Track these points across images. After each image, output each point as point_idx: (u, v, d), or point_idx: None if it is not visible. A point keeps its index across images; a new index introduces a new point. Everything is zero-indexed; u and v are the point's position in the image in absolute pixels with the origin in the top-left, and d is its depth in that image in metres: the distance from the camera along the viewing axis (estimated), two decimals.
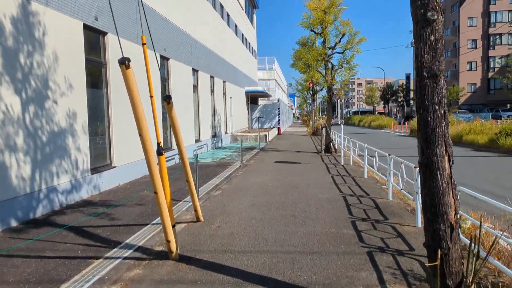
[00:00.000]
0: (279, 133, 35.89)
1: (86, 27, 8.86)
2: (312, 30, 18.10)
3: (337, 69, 18.12)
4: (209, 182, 10.45)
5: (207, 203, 8.03)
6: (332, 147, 18.13)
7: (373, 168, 10.47)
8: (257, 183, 10.10)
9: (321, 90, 34.46)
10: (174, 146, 14.67)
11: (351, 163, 13.81)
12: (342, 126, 14.15)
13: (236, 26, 29.60)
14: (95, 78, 9.58)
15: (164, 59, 14.11)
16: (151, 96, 4.82)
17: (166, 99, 5.56)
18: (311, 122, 57.18)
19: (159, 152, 4.89)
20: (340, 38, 17.85)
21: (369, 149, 11.10)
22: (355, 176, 11.17)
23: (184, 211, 7.35)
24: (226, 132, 24.58)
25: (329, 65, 18.23)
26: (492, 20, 57.30)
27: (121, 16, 10.54)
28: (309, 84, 33.80)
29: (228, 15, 26.45)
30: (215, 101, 21.73)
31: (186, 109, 16.17)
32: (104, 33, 9.78)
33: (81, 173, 8.46)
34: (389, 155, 8.14)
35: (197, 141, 17.87)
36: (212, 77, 21.06)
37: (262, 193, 8.87)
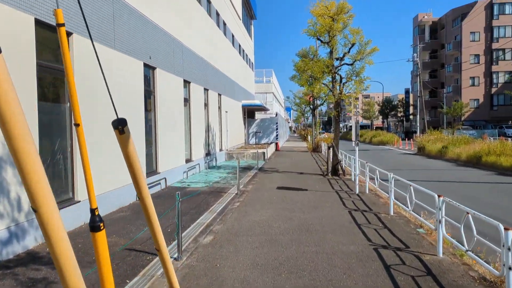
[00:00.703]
0: (277, 149, 33.90)
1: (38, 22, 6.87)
2: (318, 39, 16.24)
3: (345, 82, 16.20)
4: (198, 220, 8.37)
5: (193, 260, 5.93)
6: (340, 169, 16.13)
7: (397, 199, 8.46)
8: (259, 223, 8.03)
9: (322, 104, 32.56)
10: (160, 169, 12.61)
11: (367, 191, 11.79)
12: (357, 148, 12.12)
13: (233, 36, 27.79)
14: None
15: (149, 68, 12.12)
16: (76, 125, 2.62)
17: (118, 126, 3.44)
18: (309, 137, 55.37)
19: (94, 227, 2.61)
20: (350, 48, 15.97)
21: (383, 172, 9.13)
22: (377, 211, 9.13)
23: (159, 278, 5.25)
24: (221, 149, 22.56)
25: (337, 78, 16.31)
26: (495, 35, 55.98)
27: None
28: (309, 98, 31.93)
29: (224, 23, 24.62)
30: (209, 116, 19.74)
31: (176, 125, 14.15)
32: None
33: (27, 214, 6.37)
34: (439, 196, 6.09)
35: (188, 161, 15.82)
36: (206, 89, 19.10)
37: (267, 241, 6.80)
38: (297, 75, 32.01)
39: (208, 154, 19.26)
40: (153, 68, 12.35)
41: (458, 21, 59.29)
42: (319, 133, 45.23)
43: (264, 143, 33.66)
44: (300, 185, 13.25)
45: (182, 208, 9.06)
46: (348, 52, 16.03)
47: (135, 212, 9.06)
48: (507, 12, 55.75)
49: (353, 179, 14.62)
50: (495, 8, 55.75)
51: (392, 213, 8.81)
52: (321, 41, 16.18)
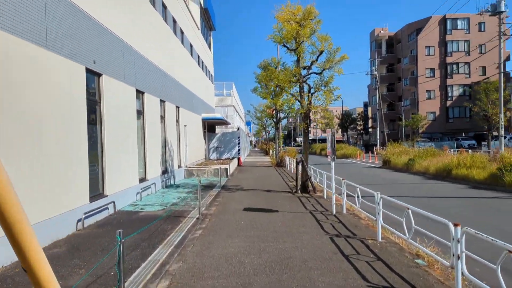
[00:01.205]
0: (239, 164, 32.50)
1: None
2: (284, 46, 15.04)
3: (313, 93, 15.08)
4: (150, 256, 6.78)
5: None
6: (309, 185, 14.91)
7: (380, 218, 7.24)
8: (227, 258, 6.55)
9: (286, 117, 31.55)
10: (108, 191, 10.90)
11: (344, 211, 10.56)
12: (333, 164, 10.87)
13: (191, 45, 26.35)
14: None
15: (93, 75, 10.47)
16: None
17: None
18: (271, 151, 54.31)
19: None
20: (318, 56, 14.89)
21: (353, 186, 7.94)
22: (362, 236, 7.88)
23: None
24: (179, 166, 20.89)
25: (305, 88, 15.18)
26: (449, 49, 57.54)
27: None
28: (272, 111, 30.84)
29: (182, 32, 23.16)
30: (167, 130, 18.11)
31: (127, 141, 12.48)
32: None
33: None
34: (455, 225, 4.86)
35: (142, 180, 14.11)
36: (162, 101, 17.50)
37: (239, 285, 5.34)
38: (258, 87, 31.06)
39: (165, 171, 17.58)
40: (99, 75, 10.70)
41: (413, 35, 60.61)
42: (282, 147, 44.23)
43: (225, 158, 32.18)
44: (269, 205, 11.88)
45: (131, 241, 7.46)
46: (316, 60, 14.97)
47: (73, 248, 7.36)
48: (459, 27, 57.50)
49: (325, 197, 13.45)
50: (448, 23, 57.40)
51: (380, 239, 7.57)
52: (288, 48, 15.02)
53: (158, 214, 10.66)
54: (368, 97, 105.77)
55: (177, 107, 20.80)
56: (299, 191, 14.78)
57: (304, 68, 15.15)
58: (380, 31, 69.75)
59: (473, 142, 50.67)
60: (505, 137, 49.24)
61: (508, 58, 57.90)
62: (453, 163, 18.51)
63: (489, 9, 28.00)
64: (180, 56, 22.12)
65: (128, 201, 12.46)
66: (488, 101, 30.19)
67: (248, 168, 28.90)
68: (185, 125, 22.70)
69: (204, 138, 30.90)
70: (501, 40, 27.75)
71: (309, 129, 15.38)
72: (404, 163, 24.01)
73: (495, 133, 60.30)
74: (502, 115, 27.94)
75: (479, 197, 13.61)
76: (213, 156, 32.74)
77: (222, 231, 8.61)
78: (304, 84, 15.06)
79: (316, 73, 15.09)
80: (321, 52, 14.78)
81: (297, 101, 15.26)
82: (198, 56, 29.69)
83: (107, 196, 10.78)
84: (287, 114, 30.96)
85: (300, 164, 14.95)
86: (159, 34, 17.35)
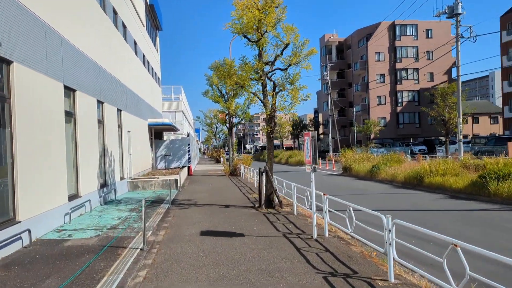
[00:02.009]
0: (190, 173, 30.02)
1: None
2: (245, 37, 12.95)
3: (278, 92, 13.09)
4: None
5: None
6: (275, 199, 12.88)
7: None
8: None
9: (240, 122, 29.47)
10: (22, 215, 8.27)
11: (326, 233, 8.58)
12: (313, 176, 8.67)
13: (135, 43, 23.70)
14: None
15: (0, 62, 7.87)
16: None
17: None
18: (223, 159, 51.93)
19: None
20: (283, 50, 12.96)
21: (334, 201, 6.04)
22: (368, 275, 5.88)
23: None
24: (122, 178, 18.20)
25: (269, 86, 13.16)
26: (398, 55, 58.10)
27: None
28: (225, 116, 28.68)
29: (124, 26, 20.53)
30: (106, 136, 15.47)
31: (50, 148, 9.85)
32: None
33: None
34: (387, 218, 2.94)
35: (73, 197, 11.45)
36: (100, 102, 14.88)
37: None
38: (210, 90, 28.79)
39: (104, 185, 14.91)
40: (8, 62, 8.10)
41: (363, 41, 60.79)
42: (237, 154, 41.97)
43: (175, 168, 29.57)
44: (232, 227, 9.69)
45: None
46: (281, 54, 13.00)
47: None
48: (408, 33, 58.27)
49: (295, 213, 11.47)
50: (397, 29, 58.01)
51: (393, 279, 5.61)
52: (249, 40, 12.93)
53: (90, 244, 8.17)
54: (317, 103, 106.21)
55: (119, 110, 18.15)
56: (264, 206, 12.70)
57: (267, 63, 13.15)
58: (330, 37, 69.67)
59: (424, 147, 51.07)
60: (455, 143, 50.20)
61: (454, 65, 59.33)
62: (424, 170, 17.21)
63: (446, 11, 27.54)
64: (122, 53, 19.48)
65: (53, 226, 9.81)
66: (445, 105, 29.73)
67: (200, 178, 26.50)
68: (128, 131, 20.04)
69: (151, 146, 28.17)
70: (458, 43, 27.32)
71: (274, 133, 13.40)
72: (367, 171, 22.64)
73: (442, 139, 61.74)
74: (461, 119, 27.46)
75: (468, 210, 12.15)
76: (161, 165, 30.01)
77: (175, 271, 6.33)
78: (268, 81, 13.04)
79: (281, 69, 13.13)
80: (287, 45, 12.84)
81: (260, 101, 13.18)
82: (144, 56, 27.02)
83: (20, 222, 8.15)
84: (241, 119, 28.90)
85: (264, 174, 12.89)
86: (95, 23, 14.74)
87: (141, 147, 23.76)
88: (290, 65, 12.99)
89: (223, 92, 28.50)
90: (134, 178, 20.13)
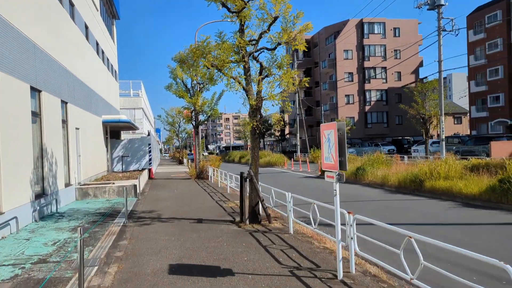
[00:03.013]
0: (151, 176, 26.88)
1: None
2: (223, 5, 10.21)
3: (265, 76, 10.45)
4: None
5: None
6: (261, 211, 10.24)
7: None
8: None
9: (207, 120, 26.63)
10: None
11: (353, 270, 5.99)
12: (337, 187, 6.04)
13: (87, 27, 20.41)
14: None
15: None
16: None
17: None
18: (185, 160, 48.65)
19: None
20: (270, 25, 10.35)
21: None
22: None
23: None
24: (68, 184, 15.04)
25: (254, 70, 10.51)
26: (366, 53, 56.84)
27: None
28: (190, 112, 25.78)
29: (71, 3, 17.31)
30: (45, 133, 12.33)
31: None
32: None
33: None
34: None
35: None
36: (36, 90, 11.76)
37: None
38: (174, 84, 25.79)
39: (41, 194, 11.79)
40: None
41: (331, 38, 59.18)
42: (203, 155, 38.87)
43: (133, 170, 26.37)
44: (213, 256, 6.98)
45: None
46: (268, 30, 10.40)
47: None
48: (376, 31, 57.15)
49: (291, 231, 8.89)
50: (365, 27, 56.73)
51: None
52: (228, 9, 10.20)
53: None
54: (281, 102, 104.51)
55: (64, 103, 15.00)
56: (248, 221, 10.04)
57: (251, 42, 10.49)
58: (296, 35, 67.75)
59: (393, 147, 49.99)
60: (428, 142, 49.33)
61: (421, 64, 58.78)
62: (423, 173, 15.06)
63: (428, 2, 25.84)
64: (69, 34, 16.27)
65: None
66: (424, 103, 28.09)
67: (163, 182, 23.47)
68: (77, 128, 16.86)
69: (106, 146, 24.85)
70: (440, 36, 25.68)
71: (262, 128, 10.76)
72: (351, 173, 20.41)
73: (410, 139, 61.17)
74: (443, 117, 25.87)
75: (503, 223, 9.93)
76: (118, 167, 26.71)
77: None
78: (252, 63, 10.40)
79: (268, 49, 10.51)
80: (275, 19, 10.25)
81: (241, 89, 10.48)
82: (97, 44, 23.70)
83: None
84: (209, 116, 26.09)
85: (248, 181, 10.21)
86: None
87: (94, 147, 20.51)
88: (279, 44, 10.43)
89: (188, 86, 25.62)
90: (84, 184, 16.95)
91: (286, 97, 10.98)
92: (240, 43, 9.97)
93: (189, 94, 25.31)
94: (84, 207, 13.70)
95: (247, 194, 10.19)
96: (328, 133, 5.75)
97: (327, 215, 7.74)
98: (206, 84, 25.80)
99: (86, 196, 15.94)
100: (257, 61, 10.32)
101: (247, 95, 10.41)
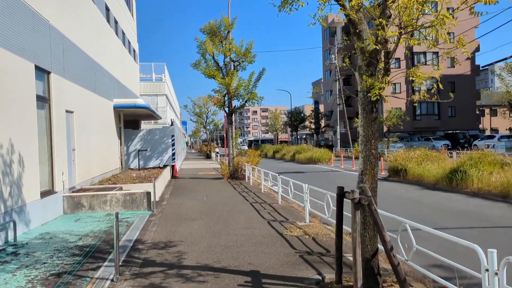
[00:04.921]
0: (174, 174, 22.05)
1: None
2: None
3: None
4: None
5: None
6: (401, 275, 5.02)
7: None
8: None
9: (243, 106, 21.48)
10: None
11: None
12: None
13: None
14: None
15: None
16: None
17: None
18: (213, 154, 43.82)
19: None
20: None
21: None
22: None
23: None
24: (49, 192, 10.23)
25: None
26: (416, 36, 50.45)
27: None
28: (223, 97, 20.75)
29: None
30: (3, 117, 7.49)
31: None
32: None
33: None
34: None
35: None
36: None
37: None
38: (202, 60, 20.85)
39: None
40: None
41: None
42: (239, 149, 33.74)
43: (153, 167, 21.60)
44: None
45: None
46: None
47: None
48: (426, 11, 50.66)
49: None
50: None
51: None
52: None
53: None
54: (313, 93, 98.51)
55: (44, 72, 10.15)
56: (362, 285, 4.85)
57: None
58: (334, 18, 61.82)
59: (447, 142, 43.89)
60: (493, 137, 42.93)
61: (477, 49, 52.03)
62: None
63: None
64: None
65: None
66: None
67: (189, 183, 18.54)
68: (70, 111, 12.04)
69: (119, 138, 20.09)
70: None
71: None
72: (441, 177, 14.99)
73: (461, 132, 54.42)
74: None
75: None
76: (134, 164, 21.98)
77: None
78: None
79: None
80: None
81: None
82: (108, 10, 18.88)
83: None
84: (246, 102, 20.92)
85: (360, 208, 4.99)
86: None
87: (100, 138, 15.72)
88: None
89: (221, 64, 20.58)
90: (80, 190, 12.13)
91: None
92: None
93: (221, 74, 20.29)
94: (66, 230, 8.82)
95: (357, 233, 4.96)
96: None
97: None
98: (242, 61, 20.78)
99: (78, 209, 11.08)
100: None
101: (356, 32, 5.23)
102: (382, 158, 24.34)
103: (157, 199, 13.01)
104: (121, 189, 12.93)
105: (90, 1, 15.14)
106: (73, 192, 11.71)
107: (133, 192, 11.46)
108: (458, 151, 25.48)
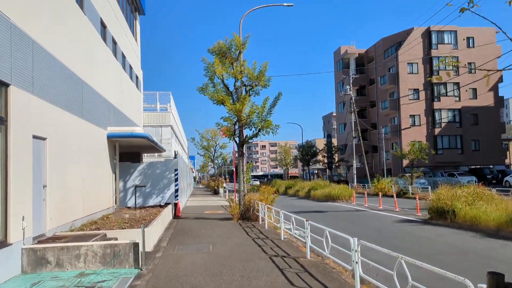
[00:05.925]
0: (177, 214, 19.23)
1: None
2: None
3: None
4: None
5: None
6: None
7: None
8: None
9: (256, 135, 18.71)
10: None
11: None
12: None
13: (94, 7, 13.36)
14: None
15: None
16: None
17: None
18: (221, 189, 40.96)
19: None
20: None
21: None
22: None
23: None
24: (3, 243, 7.48)
25: None
26: (435, 67, 48.24)
27: None
28: (233, 125, 18.18)
29: None
30: None
31: None
32: None
33: None
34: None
35: None
36: None
37: None
38: (210, 84, 18.45)
39: None
40: None
41: (391, 50, 51.08)
42: (248, 183, 30.70)
43: (153, 206, 18.82)
44: None
45: None
46: None
47: None
48: (446, 41, 48.65)
49: None
50: (433, 36, 48.37)
51: None
52: None
53: None
54: (323, 128, 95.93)
55: (4, 85, 7.63)
56: None
57: None
58: (347, 49, 60.13)
59: (473, 178, 40.61)
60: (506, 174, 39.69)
61: (500, 80, 49.52)
62: None
63: None
64: (67, 14, 9.10)
65: None
66: None
67: (193, 225, 15.67)
68: (42, 138, 9.44)
69: (114, 171, 17.41)
70: None
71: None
72: (506, 220, 12.04)
73: (487, 167, 51.07)
74: None
75: None
76: (131, 202, 19.22)
77: None
78: None
79: None
80: None
81: None
82: (104, 30, 16.68)
83: None
84: (259, 131, 18.24)
85: None
86: None
87: (85, 172, 13.05)
88: None
89: (231, 88, 18.13)
90: (49, 238, 9.37)
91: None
92: None
93: (231, 99, 17.80)
94: None
95: None
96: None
97: None
98: (256, 85, 18.31)
99: (41, 266, 8.28)
100: None
101: None
102: (417, 197, 21.32)
103: (151, 248, 10.22)
104: (104, 236, 10.16)
105: (77, 7, 12.82)
106: (39, 242, 8.95)
107: (115, 243, 8.66)
108: (496, 189, 22.38)
